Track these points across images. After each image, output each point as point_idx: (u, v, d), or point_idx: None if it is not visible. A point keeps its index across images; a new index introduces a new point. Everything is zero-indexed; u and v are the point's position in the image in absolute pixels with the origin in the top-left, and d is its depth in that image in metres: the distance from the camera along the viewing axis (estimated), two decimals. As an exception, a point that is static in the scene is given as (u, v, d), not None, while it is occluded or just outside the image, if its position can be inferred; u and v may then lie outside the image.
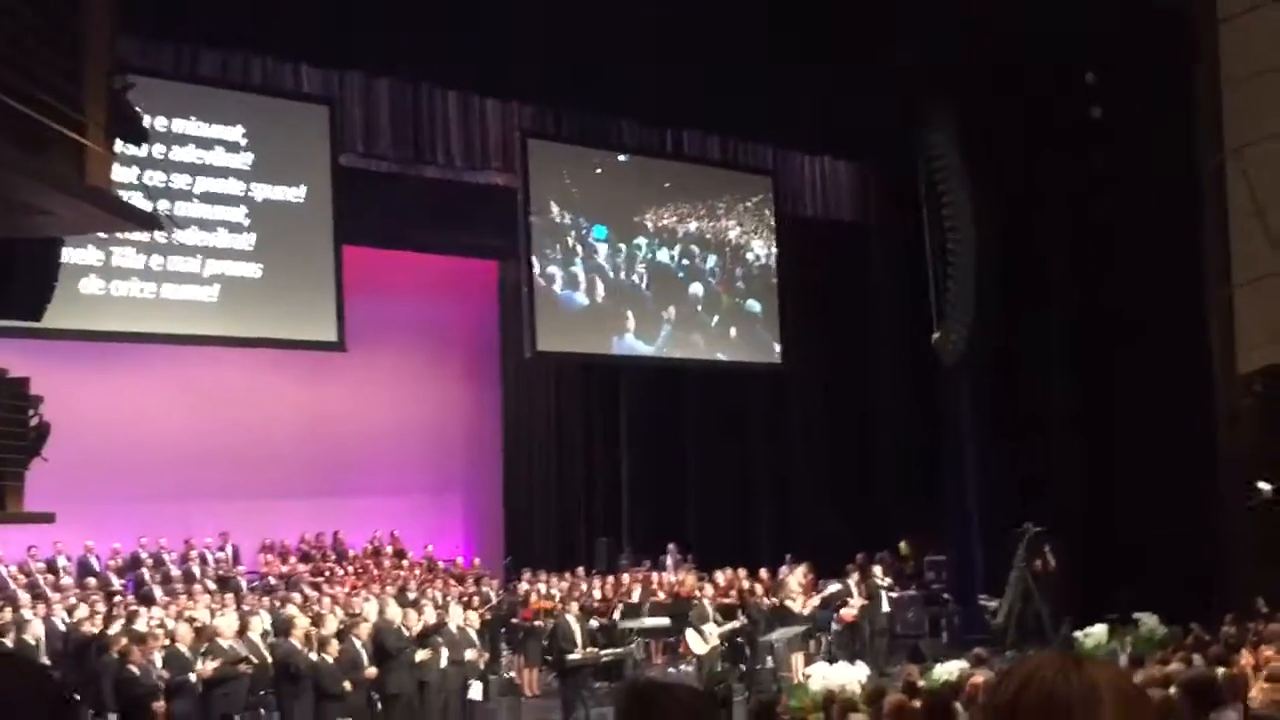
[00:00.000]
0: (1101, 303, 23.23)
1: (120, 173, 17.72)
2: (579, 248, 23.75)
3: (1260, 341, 20.97)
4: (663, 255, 24.94)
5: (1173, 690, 8.82)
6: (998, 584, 22.67)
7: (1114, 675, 1.90)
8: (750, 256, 26.13)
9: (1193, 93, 21.97)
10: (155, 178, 19.21)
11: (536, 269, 23.10)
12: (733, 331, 25.82)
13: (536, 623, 19.82)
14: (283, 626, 16.25)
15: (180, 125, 19.61)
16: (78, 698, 15.60)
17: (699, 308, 25.40)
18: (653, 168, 24.99)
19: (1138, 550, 21.43)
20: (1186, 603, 17.63)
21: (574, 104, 23.36)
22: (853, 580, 21.37)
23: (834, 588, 21.28)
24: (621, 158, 24.58)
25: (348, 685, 15.25)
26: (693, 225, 25.32)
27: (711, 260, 25.59)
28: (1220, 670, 9.79)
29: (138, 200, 17.70)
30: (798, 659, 19.45)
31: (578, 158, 23.88)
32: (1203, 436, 21.59)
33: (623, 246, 24.37)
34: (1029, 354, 24.33)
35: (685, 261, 25.27)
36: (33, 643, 15.73)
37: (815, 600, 20.84)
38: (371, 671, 15.62)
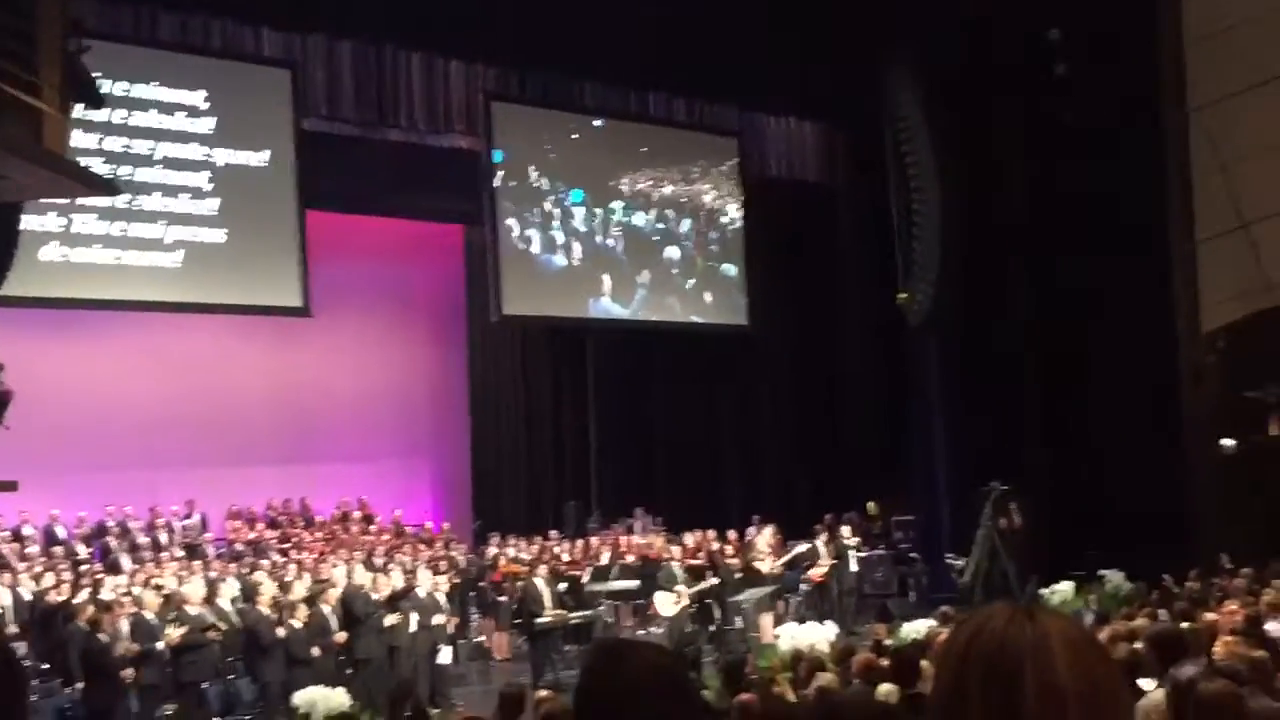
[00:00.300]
0: (1066, 262, 23.28)
1: (81, 138, 17.66)
2: (556, 211, 23.80)
3: (1223, 298, 21.10)
4: (638, 219, 24.95)
5: (1138, 645, 8.89)
6: (965, 543, 22.77)
7: (1066, 625, 1.89)
8: (724, 220, 26.18)
9: (1157, 50, 22.00)
10: (116, 143, 19.08)
11: (515, 232, 23.13)
12: (707, 296, 25.90)
13: (505, 586, 19.83)
14: (250, 593, 16.23)
15: (141, 90, 19.44)
16: (30, 662, 15.59)
17: (674, 271, 25.43)
18: (628, 132, 24.97)
19: (1103, 508, 21.56)
20: (1152, 559, 17.74)
21: (538, 66, 23.25)
22: (820, 541, 21.47)
23: (801, 548, 21.37)
24: (597, 123, 24.58)
25: (316, 651, 15.26)
26: (668, 189, 25.38)
27: (686, 224, 25.61)
28: (1184, 625, 9.87)
29: (99, 166, 17.62)
30: (766, 619, 19.52)
31: (553, 122, 23.87)
32: (1167, 393, 21.72)
33: (599, 211, 24.38)
34: (994, 313, 24.37)
35: (660, 225, 25.30)
36: (-1, 611, 15.68)
37: (783, 561, 20.93)
38: (341, 637, 15.63)
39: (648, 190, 25.09)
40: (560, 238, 23.87)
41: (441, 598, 17.22)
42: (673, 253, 25.41)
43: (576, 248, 24.07)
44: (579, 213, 24.19)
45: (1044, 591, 18.87)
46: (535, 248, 23.47)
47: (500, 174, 23.16)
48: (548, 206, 23.69)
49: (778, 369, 27.59)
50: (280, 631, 15.21)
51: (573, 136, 24.20)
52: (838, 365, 27.24)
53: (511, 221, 23.24)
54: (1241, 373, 20.85)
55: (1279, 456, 20.17)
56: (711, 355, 27.09)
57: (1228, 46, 20.43)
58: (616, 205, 24.59)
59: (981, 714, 1.83)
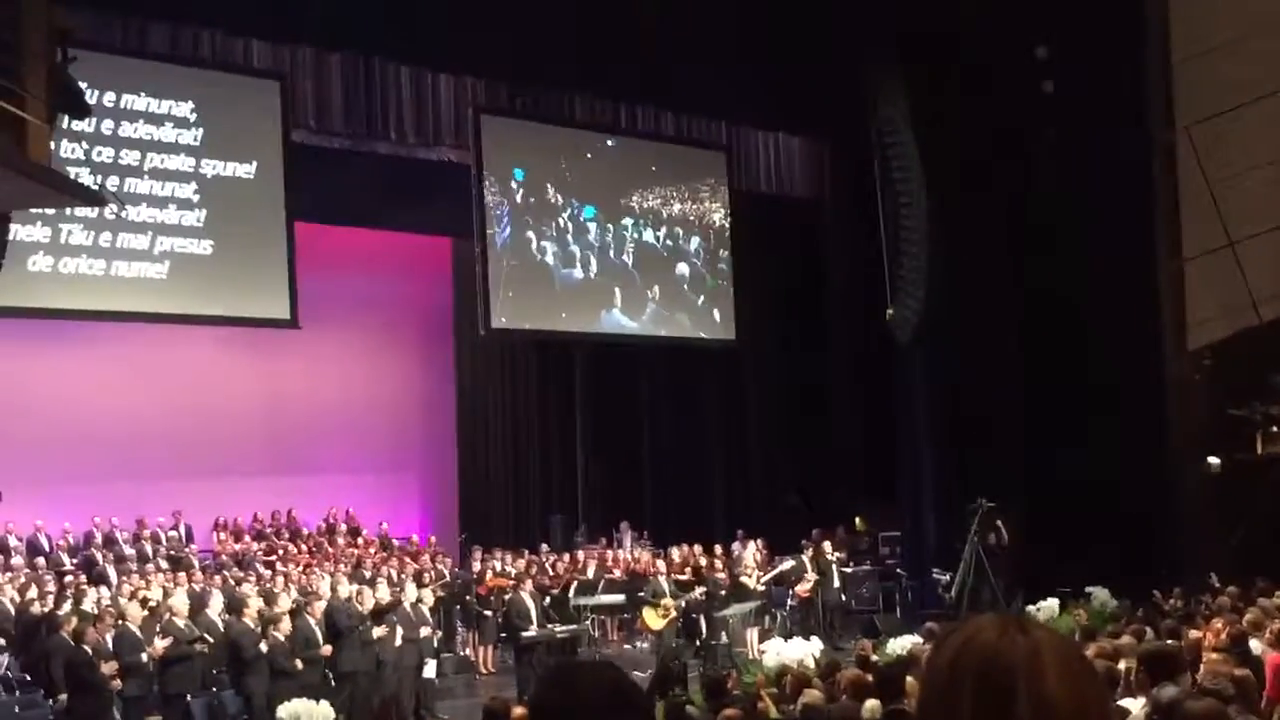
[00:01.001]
0: (1053, 277, 23.27)
1: (68, 149, 17.66)
2: (570, 226, 24.00)
3: (1210, 316, 21.12)
4: (648, 235, 25.06)
5: (1123, 664, 8.90)
6: (951, 558, 22.76)
7: (1057, 638, 1.89)
8: (717, 238, 26.26)
9: (1145, 68, 22.06)
10: (104, 154, 19.06)
11: (532, 243, 23.26)
12: (716, 313, 25.97)
13: (491, 600, 19.80)
14: (235, 605, 16.19)
15: (129, 100, 19.41)
16: (13, 673, 15.54)
17: (684, 287, 25.57)
18: (638, 150, 25.15)
19: (1090, 525, 21.54)
20: (1137, 577, 17.74)
21: (527, 79, 23.25)
22: (807, 556, 21.46)
23: (787, 564, 21.37)
24: (610, 141, 24.69)
25: (299, 664, 15.21)
26: (676, 207, 25.49)
27: (695, 241, 25.73)
28: (1169, 643, 9.87)
29: (86, 176, 17.60)
30: (752, 635, 19.53)
31: (563, 140, 24.04)
32: (1154, 411, 21.74)
33: (610, 226, 24.50)
34: (981, 329, 24.36)
35: (669, 243, 25.41)
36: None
37: (769, 576, 20.93)
38: (326, 649, 15.59)
39: (657, 207, 25.26)
40: (577, 252, 24.06)
41: (427, 611, 17.20)
42: (683, 269, 25.56)
43: (593, 262, 24.28)
44: (592, 228, 24.40)
45: (1030, 608, 18.85)
46: (549, 258, 23.65)
47: (520, 190, 23.28)
48: (561, 221, 23.86)
49: (764, 383, 27.58)
50: (264, 644, 15.16)
51: (587, 155, 24.42)
52: (825, 380, 27.20)
53: (530, 235, 23.42)
54: (1228, 391, 20.88)
55: (1265, 474, 20.19)
56: (699, 369, 27.09)
57: (1216, 65, 20.48)
58: (628, 221, 24.72)
59: None
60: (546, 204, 23.82)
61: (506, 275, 23.14)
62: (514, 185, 23.37)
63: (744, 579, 20.10)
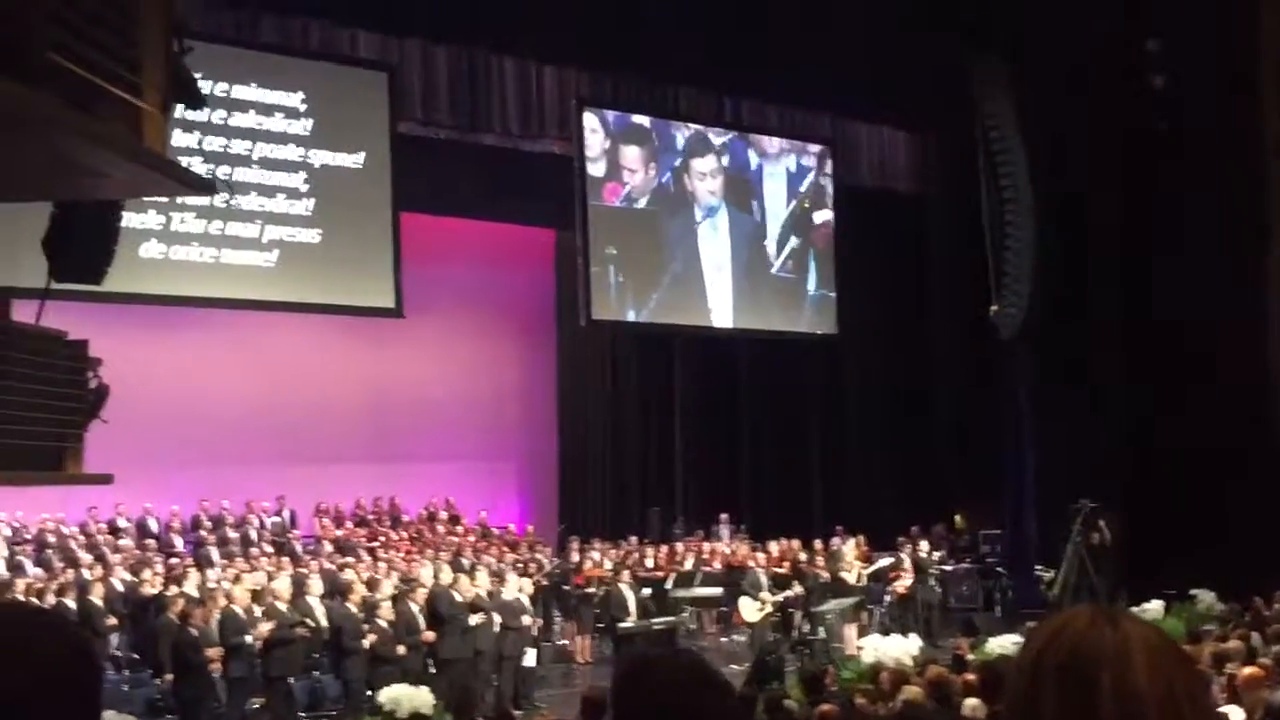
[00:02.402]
0: (1160, 273, 22.96)
1: (180, 138, 17.93)
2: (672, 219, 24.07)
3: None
4: (740, 228, 24.94)
5: (1229, 668, 8.76)
6: (1053, 557, 22.57)
7: (1148, 631, 1.85)
8: (823, 230, 26.07)
9: (1256, 63, 21.67)
10: (215, 143, 19.34)
11: (633, 235, 23.39)
12: (807, 306, 25.80)
13: (589, 590, 19.88)
14: (338, 591, 16.39)
15: (240, 91, 19.66)
16: (122, 652, 15.83)
17: (787, 281, 25.48)
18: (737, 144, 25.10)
19: (1196, 525, 21.22)
20: (1244, 580, 17.44)
21: (631, 72, 23.25)
22: (905, 553, 21.33)
23: (887, 560, 21.26)
24: (714, 135, 24.60)
25: (401, 649, 15.39)
26: (780, 201, 25.33)
27: (794, 239, 25.61)
28: (1275, 648, 9.71)
29: (198, 165, 17.88)
30: (850, 630, 19.43)
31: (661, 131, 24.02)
32: (1261, 407, 21.38)
33: (713, 220, 24.44)
34: (1086, 325, 24.08)
35: (772, 237, 25.30)
36: (98, 603, 15.90)
37: (868, 572, 20.82)
38: (429, 635, 15.75)
39: (760, 201, 25.18)
40: (679, 245, 24.09)
41: (526, 600, 17.28)
42: (786, 263, 25.46)
43: (694, 255, 24.25)
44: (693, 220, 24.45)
45: (1134, 609, 18.61)
46: (651, 251, 23.72)
47: (621, 184, 23.36)
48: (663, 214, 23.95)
49: (866, 379, 27.43)
50: (366, 629, 15.35)
51: (690, 149, 24.36)
52: (927, 376, 26.99)
53: (631, 227, 23.50)
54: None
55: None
56: (800, 363, 26.99)
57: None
58: (729, 214, 24.65)
59: (1055, 715, 1.80)
60: (646, 196, 23.81)
61: (609, 267, 23.14)
62: (616, 178, 23.38)
63: (843, 574, 20.03)
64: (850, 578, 20.07)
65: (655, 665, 2.54)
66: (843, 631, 19.42)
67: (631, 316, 23.80)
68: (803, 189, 25.81)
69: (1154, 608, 18.13)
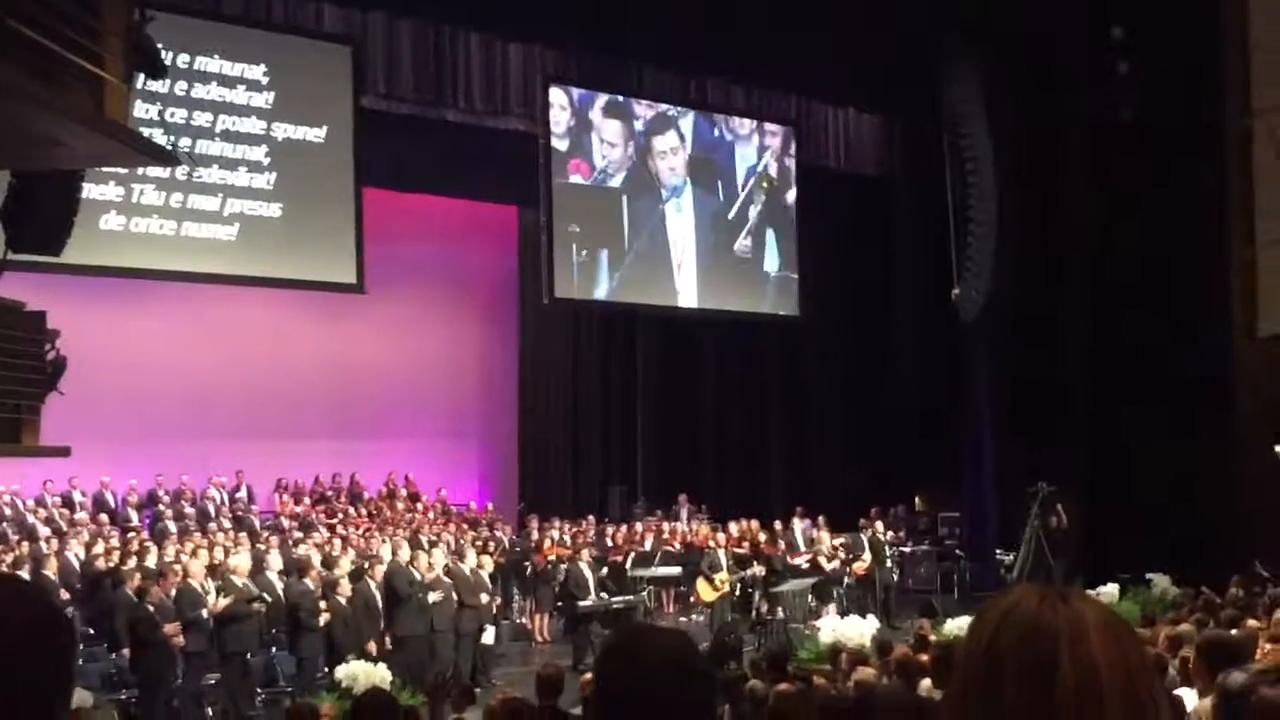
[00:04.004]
0: (1122, 261, 23.09)
1: (141, 109, 17.76)
2: (635, 198, 23.96)
3: (1281, 305, 20.88)
4: (711, 207, 24.89)
5: (1183, 652, 8.82)
6: (1012, 540, 22.72)
7: (1099, 607, 1.86)
8: (787, 212, 26.03)
9: (1221, 52, 21.77)
10: (177, 115, 19.17)
11: (597, 213, 23.29)
12: (771, 288, 25.77)
13: (549, 569, 19.89)
14: (296, 567, 16.33)
15: (202, 63, 19.50)
16: (84, 628, 15.74)
17: (749, 261, 25.45)
18: (708, 123, 25.04)
19: (1151, 511, 21.39)
20: (1198, 564, 17.58)
21: (597, 50, 23.17)
22: (865, 535, 21.43)
23: (842, 541, 21.36)
24: (676, 113, 24.52)
25: (359, 627, 15.36)
26: (742, 181, 25.32)
27: (760, 216, 25.55)
28: (1232, 632, 9.78)
29: (160, 137, 17.71)
30: (808, 610, 19.52)
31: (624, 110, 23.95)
32: (1221, 398, 21.52)
33: (676, 200, 24.40)
34: (1047, 310, 24.20)
35: (735, 217, 25.26)
36: (52, 577, 15.79)
37: (825, 552, 20.91)
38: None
39: (723, 181, 25.14)
40: (641, 223, 24.00)
41: (485, 577, 17.28)
42: (747, 244, 25.42)
43: (657, 234, 24.19)
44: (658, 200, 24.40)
45: (1089, 592, 18.71)
46: (614, 230, 23.65)
47: (586, 160, 23.27)
48: (627, 192, 23.87)
49: (827, 360, 27.49)
50: (323, 606, 15.30)
51: (654, 127, 24.28)
52: (888, 359, 27.08)
53: (594, 204, 23.43)
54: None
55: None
56: (762, 345, 27.03)
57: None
58: (693, 195, 24.59)
59: (1015, 694, 1.80)
60: (611, 174, 23.76)
61: (572, 245, 23.09)
62: (581, 156, 23.31)
63: (820, 559, 20.16)
64: (822, 561, 20.29)
65: (642, 643, 2.50)
66: (800, 612, 19.55)
67: (594, 295, 23.76)
68: (766, 169, 25.76)
69: (1109, 591, 18.27)
